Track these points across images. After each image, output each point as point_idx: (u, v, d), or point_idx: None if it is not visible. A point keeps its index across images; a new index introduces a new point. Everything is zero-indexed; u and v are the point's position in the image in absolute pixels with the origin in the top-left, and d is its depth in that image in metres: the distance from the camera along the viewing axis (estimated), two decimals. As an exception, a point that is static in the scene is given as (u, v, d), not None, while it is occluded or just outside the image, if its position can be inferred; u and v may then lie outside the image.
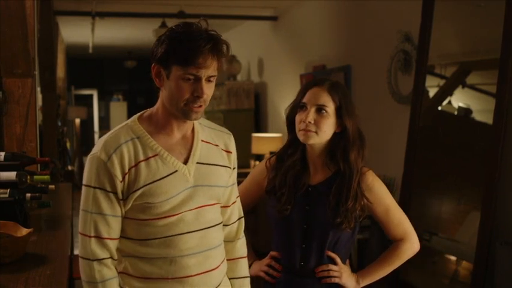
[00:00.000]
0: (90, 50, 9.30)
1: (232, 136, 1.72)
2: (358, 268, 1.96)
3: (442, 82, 3.90)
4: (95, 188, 1.49)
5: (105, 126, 13.37)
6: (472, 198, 3.44)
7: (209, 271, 1.56)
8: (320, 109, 1.80)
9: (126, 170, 1.48)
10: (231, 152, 1.68)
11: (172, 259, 1.52)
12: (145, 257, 1.53)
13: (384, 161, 4.28)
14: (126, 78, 13.11)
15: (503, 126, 3.17)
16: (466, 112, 3.71)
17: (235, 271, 1.72)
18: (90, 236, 1.49)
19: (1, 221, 1.87)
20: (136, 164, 1.49)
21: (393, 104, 4.36)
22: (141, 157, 1.49)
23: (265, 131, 7.21)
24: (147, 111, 1.59)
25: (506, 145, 3.19)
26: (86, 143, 12.38)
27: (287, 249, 1.88)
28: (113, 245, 1.52)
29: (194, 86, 1.47)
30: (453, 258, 3.55)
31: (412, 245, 1.92)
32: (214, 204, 1.61)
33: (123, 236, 1.54)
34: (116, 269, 1.54)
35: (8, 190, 2.03)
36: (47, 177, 2.25)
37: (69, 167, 7.98)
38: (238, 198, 1.76)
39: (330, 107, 1.81)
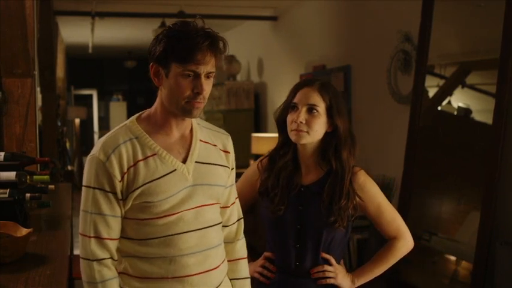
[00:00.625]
0: (90, 50, 9.30)
1: (230, 137, 1.73)
2: (351, 269, 1.96)
3: (441, 82, 3.90)
4: (94, 188, 1.49)
5: (104, 126, 13.37)
6: (472, 198, 3.44)
7: (209, 271, 1.57)
8: (311, 109, 1.82)
9: (125, 170, 1.48)
10: (229, 152, 1.69)
11: (172, 258, 1.52)
12: (145, 257, 1.53)
13: (383, 161, 4.28)
14: (126, 78, 13.11)
15: (503, 126, 3.17)
16: (465, 112, 3.71)
17: (236, 272, 1.73)
18: (90, 237, 1.50)
19: (1, 221, 1.87)
20: (135, 164, 1.49)
21: (393, 104, 4.36)
22: (140, 157, 1.50)
23: (265, 131, 7.21)
24: (146, 112, 1.60)
25: (506, 145, 3.19)
26: (86, 143, 12.38)
27: (281, 250, 1.89)
28: (112, 245, 1.52)
29: (194, 82, 1.48)
30: (453, 258, 3.55)
31: (406, 243, 1.93)
32: (213, 204, 1.61)
33: (123, 236, 1.54)
34: (116, 269, 1.54)
35: (8, 190, 2.03)
36: (46, 177, 2.25)
37: (69, 167, 7.98)
38: (238, 199, 1.76)
39: (321, 107, 1.82)
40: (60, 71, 7.99)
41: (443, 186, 3.71)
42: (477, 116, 3.62)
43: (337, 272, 1.85)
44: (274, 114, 1.94)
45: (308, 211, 1.84)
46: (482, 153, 3.34)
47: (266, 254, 1.94)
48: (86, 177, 1.51)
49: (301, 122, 1.81)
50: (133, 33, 8.73)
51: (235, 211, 1.75)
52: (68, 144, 8.43)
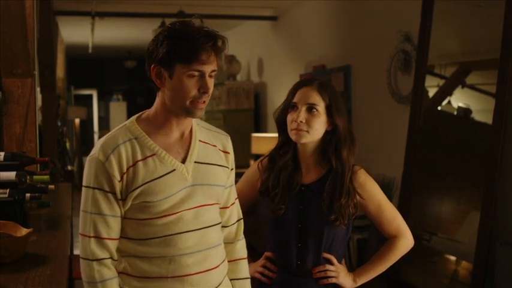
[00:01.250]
0: (90, 50, 9.30)
1: (229, 137, 1.74)
2: (352, 268, 1.96)
3: (441, 82, 3.90)
4: (94, 188, 1.50)
5: (104, 126, 13.37)
6: (472, 198, 3.44)
7: (208, 270, 1.57)
8: (311, 108, 1.83)
9: (124, 170, 1.49)
10: (228, 153, 1.69)
11: (172, 258, 1.52)
12: (144, 257, 1.53)
13: (383, 161, 4.28)
14: (126, 78, 13.11)
15: (503, 126, 3.17)
16: (465, 112, 3.71)
17: (236, 272, 1.73)
18: (89, 237, 1.50)
19: (1, 221, 1.87)
20: (134, 164, 1.50)
21: (393, 104, 4.36)
22: (139, 157, 1.50)
23: (265, 131, 7.21)
24: (145, 113, 1.60)
25: (506, 145, 3.19)
26: (86, 143, 12.38)
27: (283, 249, 1.89)
28: (112, 245, 1.52)
29: (199, 82, 1.49)
30: (453, 258, 3.55)
31: (406, 241, 1.94)
32: (213, 204, 1.61)
33: (122, 236, 1.55)
34: (116, 269, 1.54)
35: (8, 190, 2.03)
36: (46, 177, 2.25)
37: (69, 167, 7.98)
38: (237, 199, 1.76)
39: (321, 106, 1.83)
40: (60, 71, 7.99)
41: (443, 186, 3.71)
42: (477, 116, 3.62)
43: (338, 271, 1.86)
44: (273, 114, 1.95)
45: (309, 210, 1.85)
46: (482, 153, 3.34)
47: (267, 254, 1.94)
48: (86, 178, 1.52)
49: (301, 122, 1.82)
50: (133, 33, 8.73)
51: (235, 212, 1.75)
52: (68, 144, 8.43)
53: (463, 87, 3.76)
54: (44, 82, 5.54)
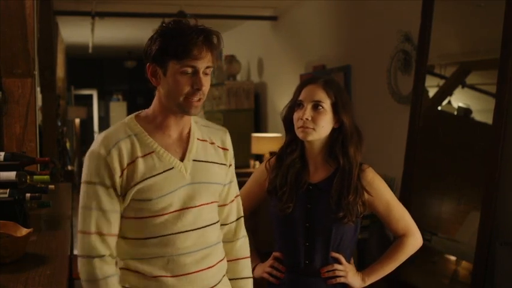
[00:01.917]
0: (90, 50, 9.29)
1: (227, 132, 1.73)
2: (357, 268, 1.95)
3: (441, 82, 3.90)
4: (95, 183, 1.48)
5: (104, 126, 13.34)
6: (472, 198, 3.44)
7: (207, 269, 1.57)
8: (316, 105, 1.82)
9: (125, 166, 1.48)
10: (227, 149, 1.69)
11: (170, 258, 1.52)
12: (142, 258, 1.53)
13: (383, 161, 4.27)
14: (126, 78, 13.09)
15: (503, 126, 3.17)
16: (465, 112, 3.71)
17: (236, 272, 1.72)
18: (90, 233, 1.48)
19: (1, 221, 1.87)
20: (134, 160, 1.49)
21: (393, 104, 4.36)
22: (139, 154, 1.50)
23: (265, 131, 7.21)
24: (143, 112, 1.60)
25: (506, 145, 3.19)
26: (86, 143, 12.35)
27: (291, 249, 1.88)
28: (112, 241, 1.51)
29: (193, 79, 1.49)
30: (453, 258, 3.55)
31: (415, 240, 1.93)
32: (211, 202, 1.61)
33: (121, 236, 1.54)
34: (116, 265, 1.53)
35: (8, 190, 2.03)
36: (46, 177, 2.24)
37: (69, 167, 7.98)
38: (239, 197, 1.75)
39: (326, 103, 1.83)
40: (60, 71, 7.99)
41: (443, 186, 3.71)
42: (477, 116, 3.62)
43: (347, 270, 1.85)
44: (280, 113, 1.95)
45: (317, 209, 1.84)
46: (482, 153, 3.34)
47: (275, 254, 1.94)
48: (86, 173, 1.50)
49: (307, 119, 1.82)
50: (134, 33, 8.73)
51: (235, 209, 1.73)
52: (68, 144, 8.43)
53: (463, 87, 3.76)
54: (44, 82, 5.54)
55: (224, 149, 1.68)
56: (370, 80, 4.72)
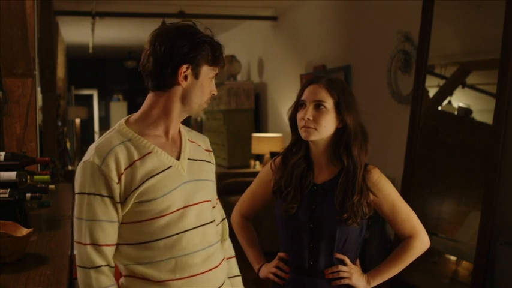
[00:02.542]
0: (90, 50, 9.29)
1: (208, 139, 1.80)
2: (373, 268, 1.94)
3: (442, 82, 3.90)
4: (89, 194, 1.47)
5: (105, 126, 13.35)
6: (472, 198, 3.44)
7: (212, 269, 1.57)
8: (318, 105, 1.82)
9: (122, 171, 1.47)
10: (211, 151, 1.75)
11: (177, 259, 1.52)
12: (149, 262, 1.52)
13: (384, 160, 4.27)
14: (126, 78, 13.09)
15: (503, 126, 3.17)
16: (466, 112, 3.71)
17: (228, 271, 1.73)
18: (85, 244, 1.48)
19: (1, 221, 1.87)
20: (132, 164, 1.49)
21: (393, 104, 4.36)
22: (136, 156, 1.50)
23: (265, 131, 7.21)
24: (133, 116, 1.60)
25: (506, 145, 3.19)
26: (86, 143, 12.32)
27: (295, 249, 1.88)
28: (109, 252, 1.50)
29: (212, 85, 1.60)
30: (453, 258, 3.55)
31: (421, 241, 1.92)
32: (208, 201, 1.63)
33: (122, 243, 1.53)
34: (114, 276, 1.53)
35: (8, 190, 2.03)
36: (47, 177, 2.24)
37: (69, 167, 7.98)
38: (218, 200, 1.79)
39: (328, 103, 1.81)
40: (60, 71, 7.99)
41: (443, 186, 3.71)
42: (477, 116, 3.63)
43: (351, 271, 1.83)
44: (287, 112, 1.94)
45: (321, 210, 1.83)
46: (482, 153, 3.34)
47: (280, 254, 1.93)
48: (79, 184, 1.49)
49: (308, 119, 1.81)
50: (134, 33, 8.73)
51: (219, 210, 1.78)
52: (68, 144, 8.43)
53: (463, 87, 3.76)
54: (45, 82, 5.54)
55: (208, 150, 1.73)
56: (371, 80, 4.72)
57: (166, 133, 1.57)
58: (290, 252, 1.90)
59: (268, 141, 6.42)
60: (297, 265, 1.87)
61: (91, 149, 1.51)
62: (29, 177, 2.14)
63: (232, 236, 1.89)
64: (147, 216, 1.50)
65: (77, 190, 1.50)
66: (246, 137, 6.96)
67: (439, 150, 3.79)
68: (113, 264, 1.52)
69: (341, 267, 1.83)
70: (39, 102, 5.15)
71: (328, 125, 1.82)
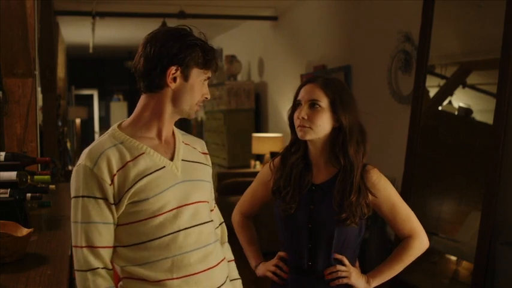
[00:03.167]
0: (91, 50, 9.30)
1: (204, 143, 1.80)
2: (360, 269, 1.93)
3: (442, 82, 3.90)
4: (83, 197, 1.48)
5: (105, 126, 13.36)
6: (473, 198, 3.44)
7: (211, 268, 1.57)
8: (313, 104, 1.81)
9: (114, 172, 1.48)
10: (207, 154, 1.75)
11: (174, 258, 1.52)
12: (145, 263, 1.52)
13: (384, 161, 4.27)
14: (127, 78, 13.08)
15: (503, 126, 3.17)
16: (466, 112, 3.71)
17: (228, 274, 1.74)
18: (82, 247, 1.48)
19: (1, 221, 1.87)
20: (124, 165, 1.50)
21: (393, 104, 4.36)
22: (128, 158, 1.51)
23: (266, 131, 7.20)
24: (126, 121, 1.62)
25: (506, 145, 3.19)
26: (87, 143, 12.27)
27: (294, 249, 1.88)
28: (106, 254, 1.50)
29: (204, 88, 1.58)
30: (453, 258, 3.55)
31: (420, 242, 1.91)
32: (205, 201, 1.64)
33: (118, 245, 1.53)
34: (112, 278, 1.53)
35: (9, 190, 2.03)
36: (47, 177, 2.24)
37: (70, 167, 7.97)
38: (216, 207, 1.80)
39: (323, 102, 1.81)
40: (60, 71, 7.99)
41: (443, 186, 3.71)
42: (478, 116, 3.62)
43: (350, 271, 1.83)
44: (287, 112, 1.95)
45: (319, 210, 1.83)
46: (482, 153, 3.34)
47: (280, 253, 1.93)
48: (74, 188, 1.50)
49: (303, 118, 1.81)
50: (134, 33, 8.73)
51: (217, 214, 1.79)
52: (68, 144, 8.43)
53: (463, 87, 3.76)
54: (45, 82, 5.54)
55: (204, 153, 1.73)
56: (371, 80, 4.72)
57: (159, 135, 1.58)
58: (289, 252, 1.90)
59: (269, 141, 6.42)
60: (296, 265, 1.87)
61: (84, 153, 1.53)
62: (29, 177, 2.15)
63: (233, 237, 1.89)
64: (141, 217, 1.51)
65: (72, 194, 1.51)
66: (246, 137, 6.96)
67: (439, 150, 3.79)
68: (110, 266, 1.52)
69: (339, 267, 1.83)
70: (40, 102, 5.15)
71: (323, 124, 1.81)
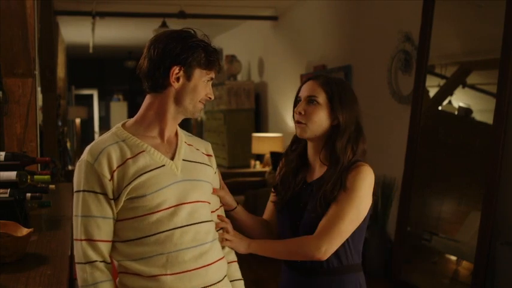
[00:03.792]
0: (91, 50, 9.30)
1: (210, 144, 1.80)
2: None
3: (442, 82, 3.90)
4: (83, 191, 1.52)
5: (105, 126, 13.37)
6: (473, 198, 3.44)
7: (205, 266, 1.58)
8: (311, 100, 1.81)
9: (114, 168, 1.52)
10: (211, 155, 1.75)
11: (168, 255, 1.54)
12: (141, 258, 1.54)
13: (384, 161, 4.28)
14: (127, 78, 13.09)
15: (503, 126, 3.17)
16: (466, 112, 3.71)
17: (229, 275, 1.74)
18: (81, 240, 1.52)
19: (1, 220, 1.87)
20: (124, 162, 1.53)
21: (393, 104, 4.36)
22: (129, 155, 1.54)
23: (266, 131, 7.20)
24: (130, 120, 1.65)
25: (506, 145, 3.19)
26: (87, 143, 12.26)
27: None
28: (104, 247, 1.53)
29: (208, 87, 1.61)
30: (453, 258, 3.55)
31: (314, 247, 1.73)
32: (205, 202, 1.64)
33: (117, 240, 1.56)
34: (110, 272, 1.55)
35: (8, 190, 2.03)
36: (47, 177, 2.24)
37: (70, 167, 7.98)
38: (221, 209, 1.78)
39: (321, 98, 1.80)
40: (60, 71, 7.99)
41: (444, 186, 3.71)
42: (478, 116, 3.63)
43: (233, 236, 1.76)
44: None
45: (307, 208, 1.83)
46: (482, 153, 3.34)
47: None
48: (76, 183, 1.55)
49: (300, 113, 1.81)
50: (134, 33, 8.74)
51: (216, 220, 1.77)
52: (68, 144, 8.43)
53: (463, 87, 3.76)
54: (45, 82, 5.54)
55: (208, 155, 1.74)
56: (371, 80, 4.72)
57: (162, 135, 1.61)
58: None
59: (269, 141, 6.42)
60: (289, 262, 1.88)
61: (86, 149, 1.57)
62: (29, 177, 2.15)
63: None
64: (139, 213, 1.53)
65: (74, 189, 1.55)
66: (246, 136, 6.96)
67: (439, 150, 3.79)
68: (109, 260, 1.55)
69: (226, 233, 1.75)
70: (40, 102, 5.15)
71: (319, 121, 1.80)
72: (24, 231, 1.84)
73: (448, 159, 3.70)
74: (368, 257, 4.12)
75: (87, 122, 12.64)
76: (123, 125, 1.63)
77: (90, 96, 13.70)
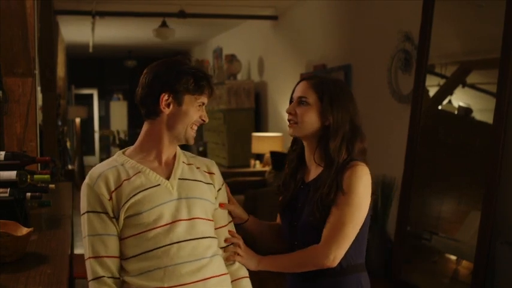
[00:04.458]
0: (91, 50, 9.30)
1: (214, 163, 1.81)
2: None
3: (442, 81, 3.90)
4: (87, 212, 1.59)
5: (105, 126, 13.37)
6: (473, 198, 3.44)
7: (203, 280, 1.61)
8: (301, 101, 1.81)
9: (112, 189, 1.58)
10: (214, 174, 1.75)
11: (166, 269, 1.57)
12: (140, 273, 1.58)
13: (384, 160, 4.28)
14: (127, 77, 13.08)
15: (503, 125, 3.17)
16: (466, 111, 3.71)
17: None
18: (89, 258, 1.58)
19: (1, 220, 1.87)
20: (121, 184, 1.59)
21: (393, 104, 4.36)
22: (124, 177, 1.60)
23: (266, 131, 7.20)
24: (130, 148, 1.71)
25: (506, 145, 3.19)
26: (86, 143, 12.38)
27: (288, 248, 1.88)
28: (111, 263, 1.58)
29: (200, 112, 1.68)
30: (453, 257, 3.55)
31: (322, 256, 1.72)
32: (206, 219, 1.66)
33: (120, 258, 1.60)
34: (118, 287, 1.58)
35: (8, 189, 2.03)
36: (47, 176, 2.24)
37: (70, 167, 7.99)
38: (231, 224, 1.77)
39: (311, 98, 1.79)
40: (60, 71, 7.99)
41: (443, 185, 3.71)
42: (478, 116, 3.63)
43: (244, 251, 1.76)
44: None
45: (303, 208, 1.83)
46: (482, 153, 3.34)
47: None
48: (81, 206, 1.61)
49: (290, 113, 1.82)
50: (134, 32, 8.74)
51: (225, 235, 1.75)
52: (68, 144, 8.44)
53: (463, 86, 3.76)
54: (45, 81, 5.53)
55: (210, 173, 1.75)
56: (371, 79, 4.72)
57: (159, 158, 1.66)
58: (287, 251, 1.90)
59: (269, 140, 6.42)
60: None
61: (88, 173, 1.66)
62: (29, 176, 2.14)
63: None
64: (137, 230, 1.58)
65: (81, 212, 1.63)
66: (246, 136, 6.96)
67: (439, 150, 3.79)
68: (117, 275, 1.59)
69: (236, 246, 1.75)
70: (40, 102, 5.15)
71: (309, 121, 1.79)
72: (24, 230, 1.84)
73: (448, 158, 3.70)
74: (368, 257, 4.12)
75: (87, 122, 12.62)
76: (124, 152, 1.70)
77: (90, 96, 13.69)
